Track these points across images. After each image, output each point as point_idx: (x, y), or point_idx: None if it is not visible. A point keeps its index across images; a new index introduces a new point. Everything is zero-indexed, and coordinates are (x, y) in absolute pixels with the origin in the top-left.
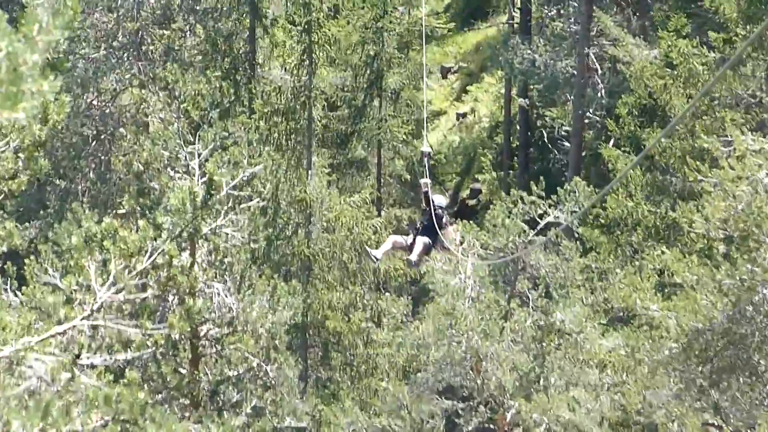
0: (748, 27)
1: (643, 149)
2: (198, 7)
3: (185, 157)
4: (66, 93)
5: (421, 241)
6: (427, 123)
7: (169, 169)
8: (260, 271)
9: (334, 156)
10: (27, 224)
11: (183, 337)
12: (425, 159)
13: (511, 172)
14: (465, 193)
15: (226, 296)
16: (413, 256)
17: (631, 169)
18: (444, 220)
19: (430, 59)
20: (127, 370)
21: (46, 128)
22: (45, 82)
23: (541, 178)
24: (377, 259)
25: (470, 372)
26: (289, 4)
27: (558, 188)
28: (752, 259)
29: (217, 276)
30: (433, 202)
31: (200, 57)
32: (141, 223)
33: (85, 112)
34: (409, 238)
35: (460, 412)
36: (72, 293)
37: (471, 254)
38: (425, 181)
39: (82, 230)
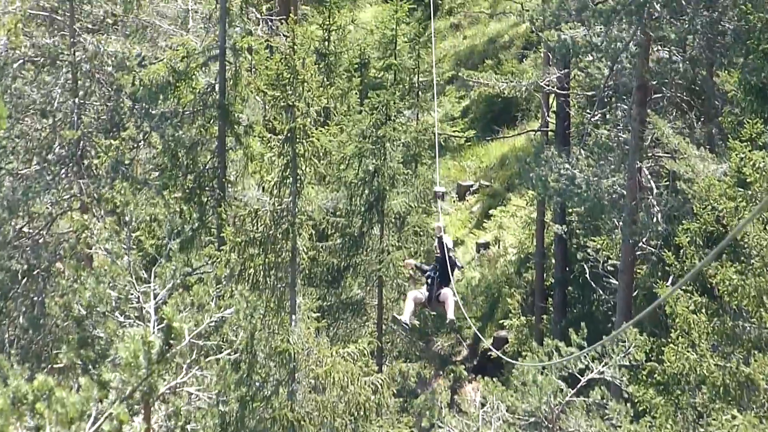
0: None
1: (711, 289)
2: (153, 111)
3: (138, 298)
4: None
5: (449, 294)
6: (436, 83)
7: (117, 313)
8: None
9: (324, 296)
10: None
11: None
12: (438, 200)
13: (544, 317)
14: (487, 343)
15: None
16: (451, 315)
17: (691, 314)
18: (459, 265)
19: (443, 176)
20: None
21: None
22: None
23: (583, 324)
24: (408, 326)
25: None
26: (267, 107)
27: (603, 337)
28: None
29: None
30: (448, 248)
31: (156, 173)
32: (83, 380)
33: (13, 241)
34: (423, 289)
35: None
36: None
37: (494, 419)
38: (438, 225)
39: (10, 389)
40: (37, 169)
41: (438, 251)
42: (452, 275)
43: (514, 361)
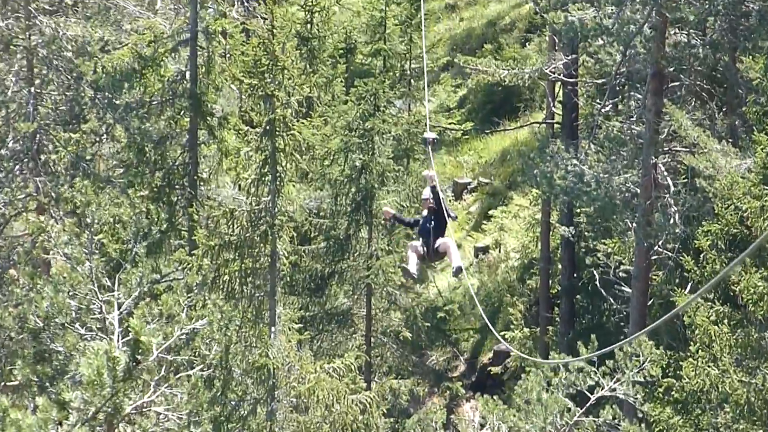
0: None
1: (734, 297)
2: (117, 101)
3: (100, 308)
4: None
5: (449, 243)
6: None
7: (78, 325)
8: None
9: (306, 306)
10: None
11: None
12: (429, 147)
13: (550, 328)
14: (486, 357)
15: None
16: (457, 262)
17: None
18: (453, 215)
19: (438, 172)
20: None
21: None
22: None
23: (593, 336)
24: (417, 277)
25: None
26: (243, 96)
27: (615, 351)
28: None
29: None
30: (442, 198)
31: (121, 170)
32: (40, 400)
33: None
34: (419, 242)
35: None
36: None
37: None
38: (431, 173)
39: None
40: None
41: (431, 201)
42: (449, 225)
43: (536, 360)
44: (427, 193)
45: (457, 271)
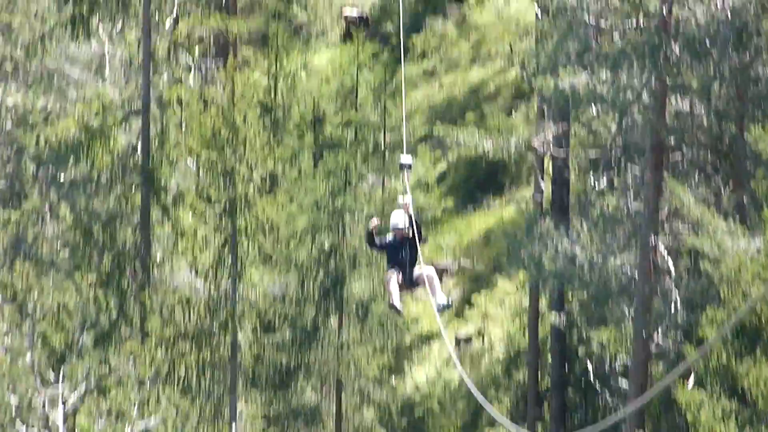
0: None
1: (742, 392)
2: (62, 177)
3: (43, 404)
4: None
5: (432, 272)
6: (407, 139)
7: (18, 421)
8: None
9: (270, 402)
10: None
11: None
12: (405, 172)
13: (539, 424)
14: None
15: None
16: (441, 298)
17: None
18: (424, 238)
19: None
20: None
21: None
22: None
23: None
24: (401, 311)
25: None
26: (201, 172)
27: None
28: None
29: None
30: (419, 226)
31: (66, 253)
32: None
33: None
34: (396, 272)
35: None
36: None
37: None
38: (407, 201)
39: None
40: None
41: (407, 231)
42: (419, 254)
43: None
44: (400, 220)
45: (443, 308)
